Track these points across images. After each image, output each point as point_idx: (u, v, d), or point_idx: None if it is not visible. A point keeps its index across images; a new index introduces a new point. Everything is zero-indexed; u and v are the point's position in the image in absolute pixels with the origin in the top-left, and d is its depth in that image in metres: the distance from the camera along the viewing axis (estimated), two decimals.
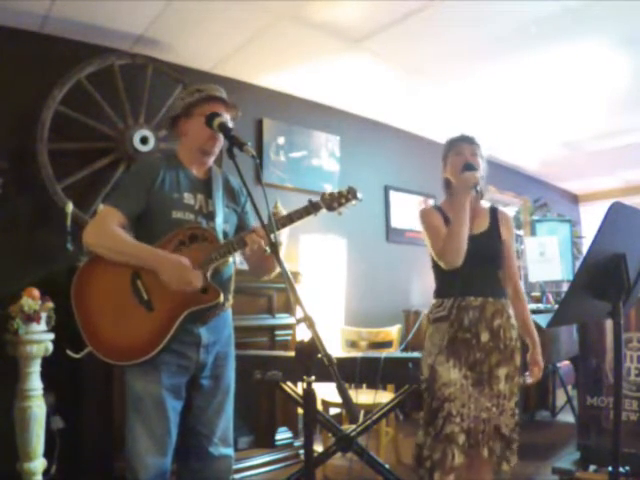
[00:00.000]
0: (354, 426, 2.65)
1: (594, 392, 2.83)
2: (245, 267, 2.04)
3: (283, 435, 3.28)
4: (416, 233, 4.63)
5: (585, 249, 1.52)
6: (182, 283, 1.66)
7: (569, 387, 4.49)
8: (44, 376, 2.46)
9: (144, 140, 3.12)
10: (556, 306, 3.91)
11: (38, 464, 2.43)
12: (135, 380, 1.73)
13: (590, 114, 4.62)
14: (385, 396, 3.06)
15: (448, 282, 1.99)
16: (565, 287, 5.07)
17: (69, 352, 1.89)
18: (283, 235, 3.22)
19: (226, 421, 1.88)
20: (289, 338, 3.34)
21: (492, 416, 1.90)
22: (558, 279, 4.89)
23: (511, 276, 2.10)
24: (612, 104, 4.37)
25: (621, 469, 1.54)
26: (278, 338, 3.29)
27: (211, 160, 1.91)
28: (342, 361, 2.44)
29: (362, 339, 3.49)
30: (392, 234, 4.87)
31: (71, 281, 1.73)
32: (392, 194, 4.90)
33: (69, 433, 2.68)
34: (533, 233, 5.66)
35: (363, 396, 3.00)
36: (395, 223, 4.89)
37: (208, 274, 1.71)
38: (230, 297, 1.88)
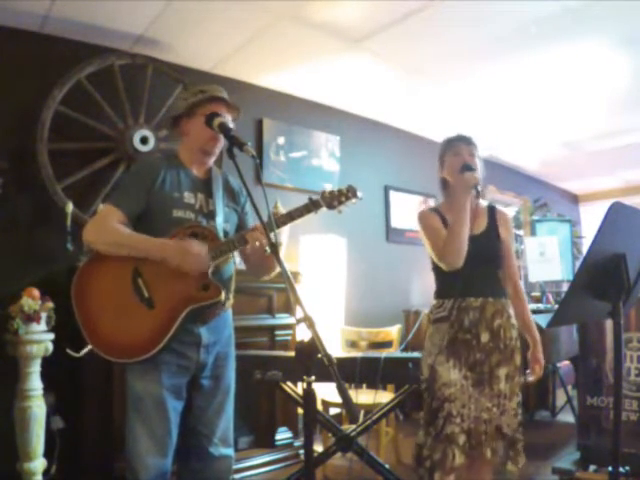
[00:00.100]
0: (354, 426, 2.65)
1: (594, 392, 2.83)
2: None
3: (283, 435, 3.28)
4: (416, 233, 4.61)
5: (585, 249, 1.52)
6: (194, 262, 1.65)
7: (569, 387, 4.48)
8: (44, 376, 2.45)
9: (144, 140, 3.12)
10: (556, 306, 3.91)
11: (38, 464, 2.43)
12: (135, 380, 1.73)
13: (590, 114, 4.62)
14: (385, 396, 3.06)
15: (449, 283, 1.99)
16: (565, 287, 5.07)
17: (69, 351, 1.89)
18: (283, 235, 3.22)
19: (226, 421, 1.88)
20: (289, 338, 3.34)
21: (493, 416, 1.90)
22: (558, 279, 4.90)
23: (511, 275, 2.10)
24: (612, 104, 4.37)
25: (621, 469, 1.54)
26: (278, 338, 3.29)
27: (212, 160, 1.92)
28: (342, 361, 2.44)
29: (362, 339, 3.48)
30: (392, 234, 4.87)
31: (71, 281, 1.72)
32: (392, 194, 4.90)
33: (69, 433, 2.67)
34: (533, 233, 5.66)
35: (363, 396, 3.00)
36: (395, 223, 4.89)
37: (209, 272, 1.71)
38: (231, 296, 1.88)
